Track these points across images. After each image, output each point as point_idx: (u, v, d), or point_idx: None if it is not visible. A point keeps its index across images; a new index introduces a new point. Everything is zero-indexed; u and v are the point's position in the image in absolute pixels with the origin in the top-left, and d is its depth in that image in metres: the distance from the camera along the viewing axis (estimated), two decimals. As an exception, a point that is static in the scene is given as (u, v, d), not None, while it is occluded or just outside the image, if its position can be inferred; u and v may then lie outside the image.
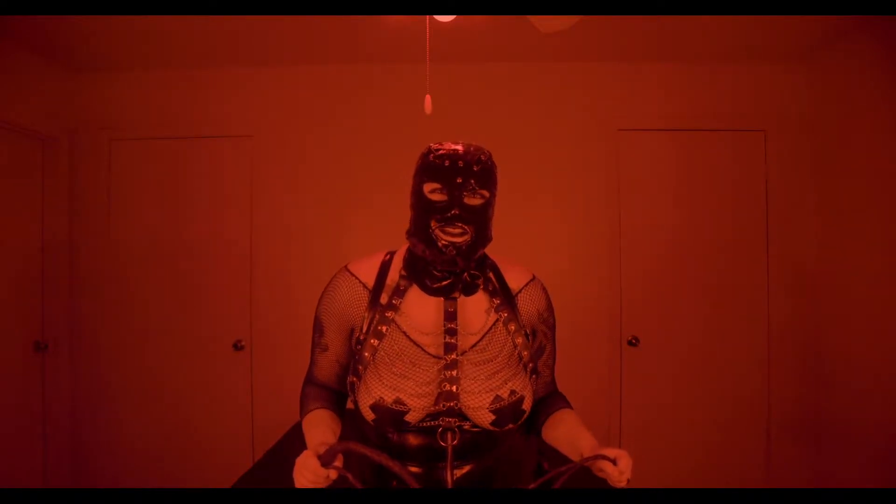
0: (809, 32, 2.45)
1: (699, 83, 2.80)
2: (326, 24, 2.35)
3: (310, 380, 1.16)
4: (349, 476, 0.87)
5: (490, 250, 1.15)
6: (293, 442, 2.18)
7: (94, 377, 2.83)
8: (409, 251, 1.08)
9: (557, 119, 2.83)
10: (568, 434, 1.05)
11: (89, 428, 2.83)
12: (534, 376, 1.08)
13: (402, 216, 1.14)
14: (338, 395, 1.14)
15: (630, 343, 2.78)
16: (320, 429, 1.01)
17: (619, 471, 0.91)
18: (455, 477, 0.97)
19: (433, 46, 1.97)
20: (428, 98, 1.64)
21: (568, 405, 1.16)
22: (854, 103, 2.44)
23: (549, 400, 1.16)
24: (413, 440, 0.98)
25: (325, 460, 0.86)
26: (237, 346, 2.81)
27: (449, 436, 0.96)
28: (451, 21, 1.71)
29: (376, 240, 2.56)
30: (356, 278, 1.09)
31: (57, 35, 2.44)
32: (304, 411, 1.10)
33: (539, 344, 1.14)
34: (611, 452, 0.92)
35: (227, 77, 2.86)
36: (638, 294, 2.79)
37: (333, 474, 0.87)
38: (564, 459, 0.99)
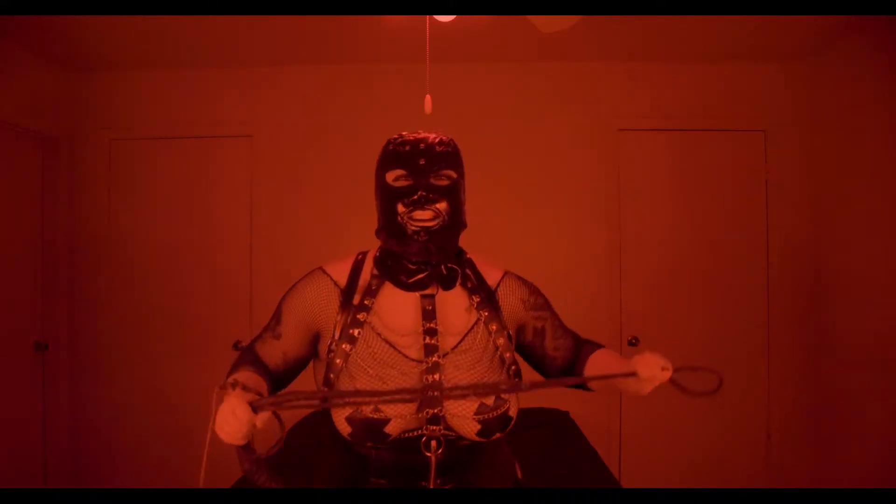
0: (809, 32, 2.44)
1: (699, 83, 2.80)
2: (326, 24, 2.35)
3: (248, 349, 1.06)
4: (279, 417, 0.77)
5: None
6: (293, 441, 2.18)
7: (94, 377, 2.83)
8: (381, 249, 1.04)
9: (557, 119, 2.83)
10: (610, 366, 1.01)
11: (89, 428, 2.83)
12: (550, 357, 1.09)
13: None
14: (274, 376, 1.03)
15: (630, 343, 2.78)
16: (243, 376, 0.92)
17: (646, 378, 0.86)
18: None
19: (433, 46, 1.96)
20: (428, 98, 1.64)
21: (598, 346, 1.14)
22: (854, 103, 2.44)
23: (584, 347, 1.13)
24: (392, 454, 0.90)
25: (258, 405, 0.76)
26: (236, 347, 2.81)
27: (433, 444, 0.89)
28: (451, 21, 1.71)
29: (376, 239, 2.55)
30: (328, 276, 1.03)
31: (57, 35, 2.44)
32: (231, 370, 0.99)
33: (534, 330, 1.09)
34: (630, 365, 0.88)
35: (227, 77, 2.86)
36: (638, 294, 2.79)
37: (260, 423, 0.77)
38: (539, 470, 0.96)
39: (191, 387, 2.82)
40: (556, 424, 2.41)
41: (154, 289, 2.85)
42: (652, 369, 0.86)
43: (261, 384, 0.95)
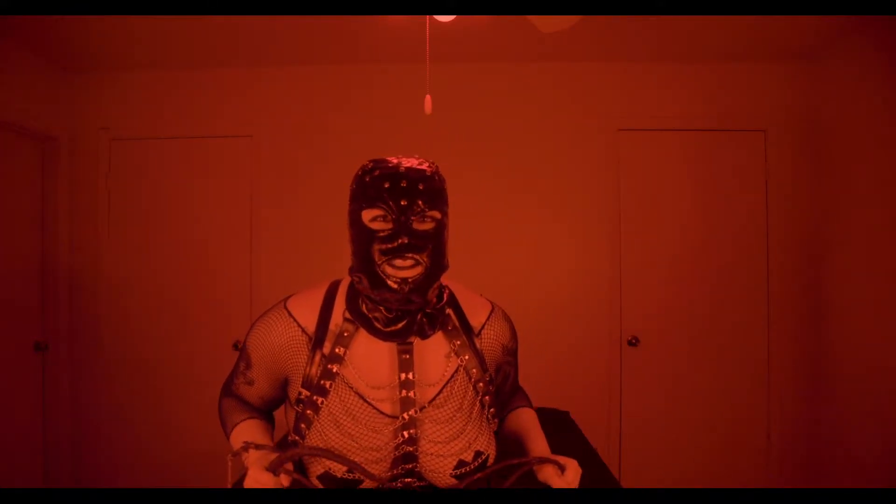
0: (809, 32, 2.44)
1: (699, 83, 2.80)
2: (326, 25, 2.35)
3: (229, 392, 1.05)
4: (302, 479, 0.81)
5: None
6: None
7: (94, 377, 2.83)
8: (352, 287, 0.95)
9: (557, 119, 2.83)
10: (522, 432, 1.04)
11: (89, 428, 2.83)
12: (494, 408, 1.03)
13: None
14: (262, 411, 1.06)
15: (630, 343, 2.78)
16: (255, 438, 0.93)
17: (566, 482, 0.87)
18: None
19: (433, 46, 1.97)
20: (428, 98, 1.64)
21: (529, 403, 1.14)
22: (854, 103, 2.44)
23: (512, 396, 1.15)
24: None
25: (274, 468, 0.79)
26: (236, 347, 2.81)
27: None
28: (451, 21, 1.71)
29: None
30: (294, 320, 0.94)
31: (57, 35, 2.44)
32: (228, 424, 0.99)
33: (503, 375, 1.06)
34: (560, 460, 0.89)
35: (227, 77, 2.86)
36: (638, 294, 2.79)
37: (285, 482, 0.79)
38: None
39: (191, 387, 2.83)
40: (556, 424, 2.39)
41: (154, 289, 2.85)
42: (575, 475, 0.89)
43: (265, 430, 0.98)
